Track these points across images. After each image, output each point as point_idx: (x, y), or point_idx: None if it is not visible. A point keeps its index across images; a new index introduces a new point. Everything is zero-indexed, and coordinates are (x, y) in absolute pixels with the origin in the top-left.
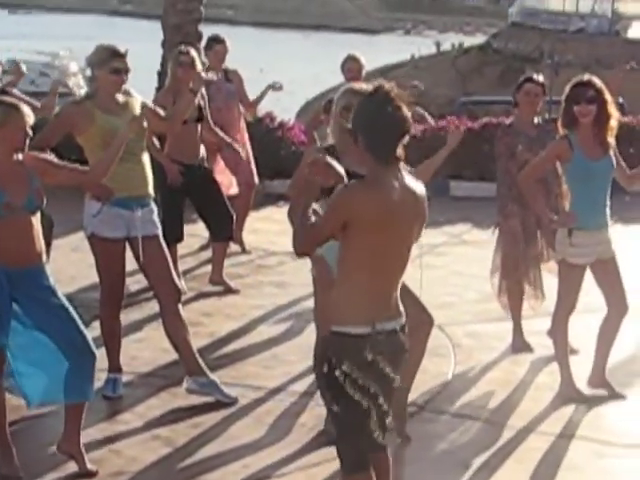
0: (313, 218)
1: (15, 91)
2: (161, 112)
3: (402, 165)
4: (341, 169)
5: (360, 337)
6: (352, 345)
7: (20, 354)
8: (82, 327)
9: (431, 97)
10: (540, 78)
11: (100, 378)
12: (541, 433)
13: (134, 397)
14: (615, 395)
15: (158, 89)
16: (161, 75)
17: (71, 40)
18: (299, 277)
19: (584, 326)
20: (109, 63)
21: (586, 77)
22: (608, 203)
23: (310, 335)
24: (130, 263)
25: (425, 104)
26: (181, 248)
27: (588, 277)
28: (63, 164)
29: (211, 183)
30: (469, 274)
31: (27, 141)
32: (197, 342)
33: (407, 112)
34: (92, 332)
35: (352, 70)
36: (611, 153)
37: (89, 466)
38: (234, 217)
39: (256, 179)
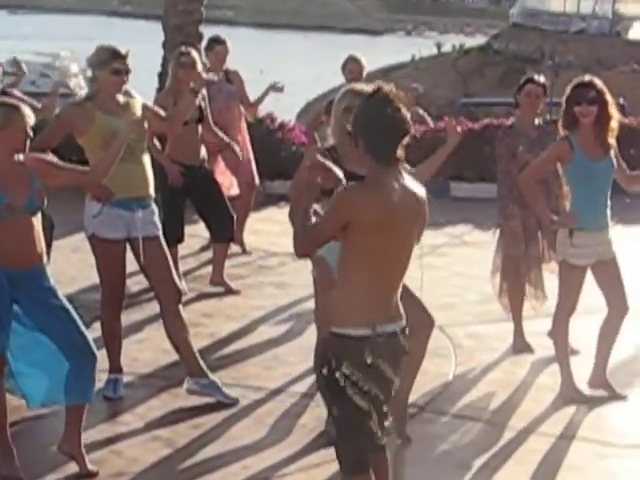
0: (314, 219)
1: (16, 92)
2: (162, 113)
3: (403, 166)
4: (339, 172)
5: (360, 339)
6: (352, 347)
7: (21, 355)
8: (83, 328)
9: (431, 98)
10: (541, 79)
11: (101, 379)
12: (542, 434)
13: (135, 398)
14: (616, 396)
15: (159, 90)
16: (162, 76)
17: (71, 41)
18: (300, 278)
19: (585, 327)
20: (110, 64)
21: (587, 78)
22: (609, 204)
23: (311, 336)
24: (131, 264)
25: (425, 105)
26: (182, 249)
27: (589, 278)
28: (64, 165)
29: (212, 184)
30: (470, 275)
31: (28, 142)
32: (198, 343)
33: (407, 113)
34: (93, 333)
35: (353, 71)
36: (612, 154)
37: (90, 467)
38: (235, 218)
39: (257, 180)
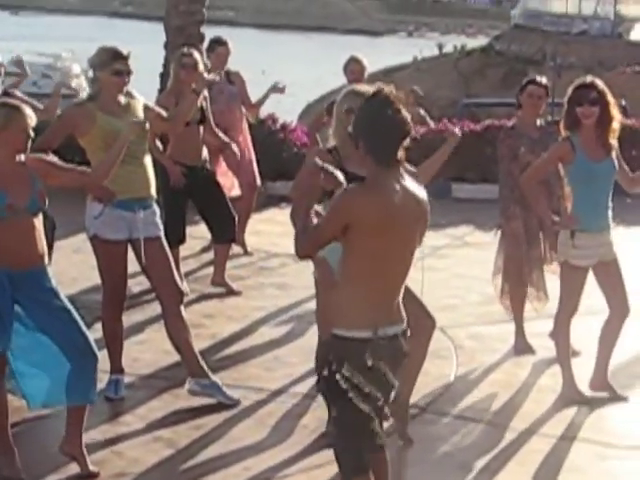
0: (315, 220)
1: (18, 93)
2: (163, 113)
3: (404, 166)
4: (340, 174)
5: (361, 341)
6: (353, 349)
7: (22, 355)
8: (84, 329)
9: (433, 99)
10: (543, 80)
11: (102, 380)
12: (543, 435)
13: (136, 399)
14: (617, 397)
15: (160, 91)
16: (163, 77)
17: (73, 42)
18: (301, 279)
19: (586, 328)
20: (111, 65)
21: (589, 79)
22: (610, 205)
23: (312, 337)
24: (132, 265)
25: (427, 106)
26: (183, 250)
27: (590, 279)
28: (65, 166)
29: (213, 185)
30: (471, 276)
31: (29, 143)
32: (199, 344)
33: (407, 115)
34: (94, 334)
35: (354, 72)
36: (613, 155)
37: (91, 467)
38: (236, 219)
39: (258, 181)
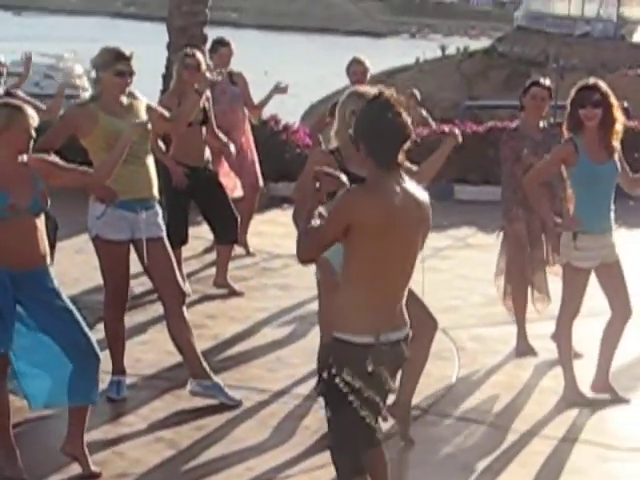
0: (318, 221)
1: (20, 93)
2: (166, 113)
3: (406, 168)
4: (343, 176)
5: (363, 347)
6: (354, 354)
7: (24, 356)
8: (86, 329)
9: (435, 101)
10: (547, 82)
11: (104, 380)
12: (545, 437)
13: (138, 399)
14: (619, 399)
15: (163, 91)
16: (166, 77)
17: (75, 42)
18: (303, 280)
19: (588, 330)
20: (114, 65)
21: (592, 81)
22: (612, 207)
23: (314, 338)
24: (134, 265)
25: (429, 108)
26: (185, 250)
27: (592, 281)
28: (67, 166)
29: (216, 186)
30: (474, 278)
31: (31, 143)
32: (201, 344)
33: (407, 118)
34: (96, 334)
35: (357, 73)
36: (616, 157)
37: (93, 468)
38: (239, 220)
39: (261, 182)
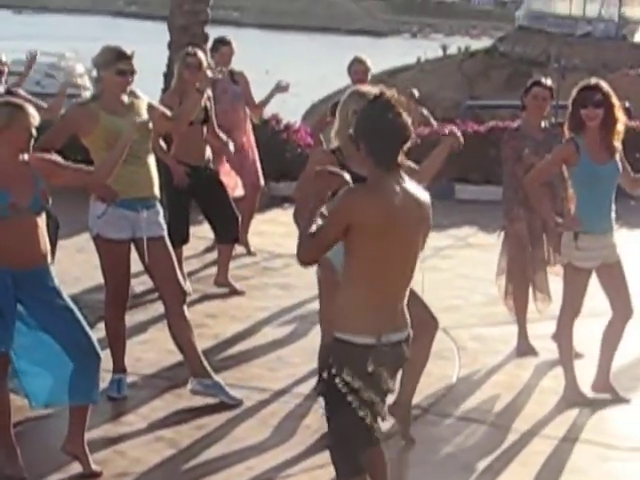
0: (320, 221)
1: (21, 92)
2: (168, 112)
3: (408, 166)
4: (346, 175)
5: (364, 347)
6: (355, 354)
7: (24, 354)
8: (87, 328)
9: (437, 100)
10: (548, 82)
11: (104, 379)
12: (545, 437)
13: (138, 398)
14: (619, 399)
15: (164, 90)
16: (167, 76)
17: (77, 41)
18: (304, 279)
19: (589, 330)
20: (115, 64)
21: (593, 81)
22: (614, 207)
23: (315, 337)
24: (135, 264)
25: (431, 107)
26: (186, 250)
27: (593, 281)
28: (68, 165)
29: (217, 185)
30: (475, 277)
31: (31, 142)
32: (202, 344)
33: (408, 119)
34: (97, 333)
35: (358, 72)
36: (617, 157)
37: (93, 467)
38: (239, 219)
39: (262, 181)
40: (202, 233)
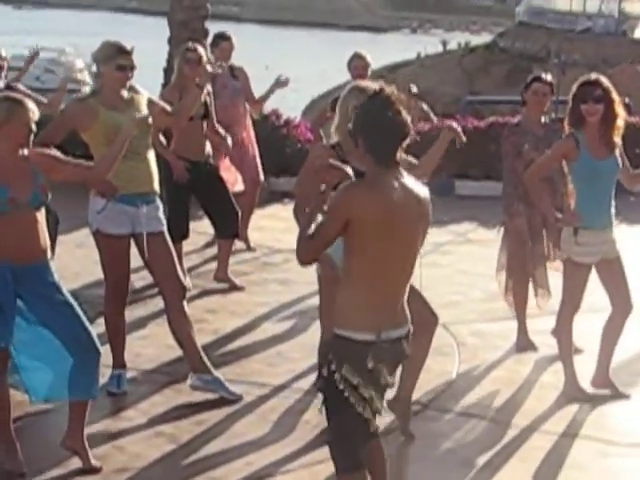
0: (320, 217)
1: (21, 87)
2: (168, 107)
3: (408, 161)
4: (348, 169)
5: (364, 344)
6: (355, 351)
7: (24, 350)
8: (87, 324)
9: (437, 96)
10: (548, 78)
11: (104, 374)
12: (545, 432)
13: (138, 394)
14: (619, 395)
15: (164, 86)
16: (167, 72)
17: (77, 36)
18: (304, 275)
19: (588, 325)
20: (114, 60)
21: (593, 76)
22: (613, 203)
23: (315, 333)
24: (135, 260)
25: (431, 103)
26: (186, 245)
27: (592, 277)
28: (68, 160)
29: (217, 180)
30: (474, 273)
31: (31, 137)
32: (201, 339)
33: (407, 116)
34: (97, 328)
35: (358, 68)
36: (617, 153)
37: (93, 462)
38: (239, 214)
39: (261, 176)
40: (202, 228)
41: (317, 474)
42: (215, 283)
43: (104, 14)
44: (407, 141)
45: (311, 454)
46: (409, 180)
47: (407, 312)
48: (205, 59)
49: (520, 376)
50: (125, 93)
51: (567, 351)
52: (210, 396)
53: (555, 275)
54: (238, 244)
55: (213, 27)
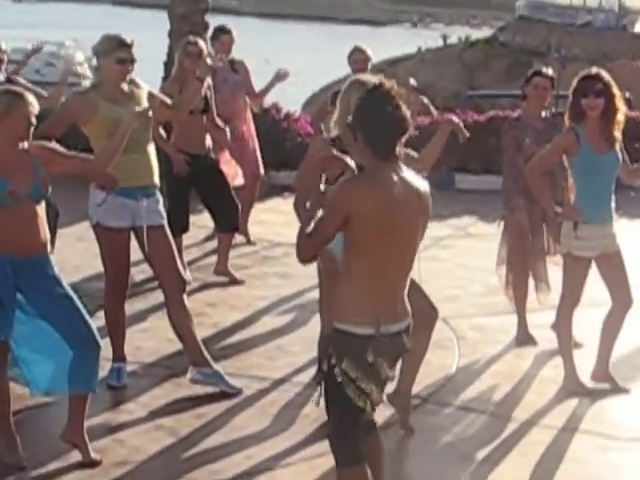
0: (320, 211)
1: (21, 80)
2: (168, 100)
3: (407, 154)
4: (350, 161)
5: (364, 338)
6: (355, 345)
7: (24, 343)
8: (87, 317)
9: (437, 90)
10: (549, 72)
11: (104, 367)
12: (544, 426)
13: (138, 387)
14: (619, 389)
15: (164, 79)
16: (167, 65)
17: (77, 29)
18: (304, 268)
19: (588, 320)
20: (114, 53)
21: (594, 70)
22: (613, 197)
23: (314, 326)
24: (135, 253)
25: (431, 97)
26: (186, 238)
27: (592, 271)
28: (68, 153)
29: (217, 173)
30: (474, 267)
31: (31, 130)
32: (201, 332)
33: (406, 111)
34: (96, 322)
35: (358, 61)
36: (617, 147)
37: (93, 455)
38: (239, 208)
39: (262, 170)
40: (202, 222)
41: (317, 467)
42: (215, 277)
43: (105, 7)
44: (406, 136)
45: (311, 447)
46: (409, 174)
47: (407, 306)
48: (206, 52)
49: (520, 370)
50: (125, 86)
51: (567, 345)
52: (210, 390)
53: (555, 269)
54: (238, 238)
55: (213, 20)
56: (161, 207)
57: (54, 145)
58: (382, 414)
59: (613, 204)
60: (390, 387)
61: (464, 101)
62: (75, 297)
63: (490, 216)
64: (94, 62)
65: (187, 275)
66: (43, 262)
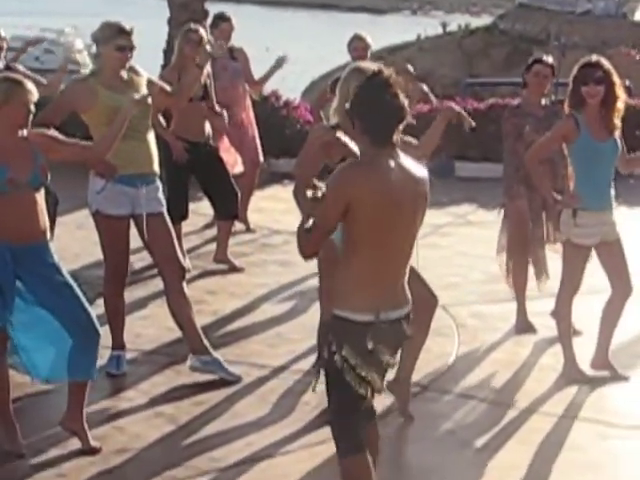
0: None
1: (20, 67)
2: (167, 87)
3: (407, 141)
4: (354, 145)
5: (363, 324)
6: (354, 332)
7: (24, 330)
8: (86, 305)
9: (436, 78)
10: (550, 60)
11: (104, 355)
12: (544, 414)
13: (138, 374)
14: (618, 377)
15: (164, 67)
16: (167, 53)
17: (77, 17)
18: None
19: (588, 307)
20: (114, 40)
21: (594, 58)
22: (613, 185)
23: (314, 314)
24: (135, 240)
25: (430, 85)
26: (186, 226)
27: (592, 259)
28: (67, 140)
29: (216, 161)
30: (474, 255)
31: (30, 117)
32: (201, 320)
33: (404, 99)
34: (96, 310)
35: (358, 49)
36: (617, 135)
37: (92, 443)
38: (239, 195)
39: (261, 157)
40: (201, 209)
41: (317, 455)
42: (214, 264)
43: None
44: (403, 124)
45: (311, 435)
46: (406, 160)
47: (407, 293)
48: (206, 40)
49: (519, 358)
50: (125, 74)
51: (566, 333)
52: (210, 377)
53: (554, 257)
54: (238, 225)
55: (213, 8)
56: (160, 195)
57: (53, 132)
58: (382, 402)
59: (613, 192)
60: (390, 375)
61: (464, 89)
62: (75, 285)
63: (490, 204)
64: (93, 49)
65: (186, 263)
66: (42, 250)
